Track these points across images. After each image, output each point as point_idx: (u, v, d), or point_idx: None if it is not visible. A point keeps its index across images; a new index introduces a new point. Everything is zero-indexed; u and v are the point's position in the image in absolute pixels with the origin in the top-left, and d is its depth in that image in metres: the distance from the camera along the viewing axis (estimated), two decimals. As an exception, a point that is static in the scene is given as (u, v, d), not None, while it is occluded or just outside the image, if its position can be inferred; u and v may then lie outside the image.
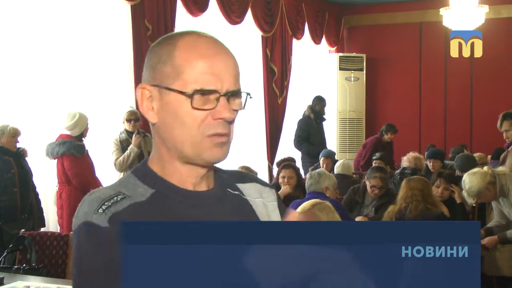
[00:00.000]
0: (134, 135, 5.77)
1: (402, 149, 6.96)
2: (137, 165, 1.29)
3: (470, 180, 4.42)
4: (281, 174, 5.66)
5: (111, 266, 1.09)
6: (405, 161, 6.60)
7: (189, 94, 1.15)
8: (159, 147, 1.23)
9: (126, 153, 5.73)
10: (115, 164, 5.76)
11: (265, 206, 1.33)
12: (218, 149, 1.19)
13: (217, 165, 1.27)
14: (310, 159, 8.22)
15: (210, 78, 1.16)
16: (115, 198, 1.16)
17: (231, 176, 1.34)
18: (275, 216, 1.34)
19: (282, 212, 1.37)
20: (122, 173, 5.81)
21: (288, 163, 6.09)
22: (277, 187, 5.47)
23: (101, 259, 1.10)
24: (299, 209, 3.39)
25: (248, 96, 1.22)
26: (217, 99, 1.16)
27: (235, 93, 1.19)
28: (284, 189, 5.39)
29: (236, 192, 1.30)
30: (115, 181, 1.25)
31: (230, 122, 1.19)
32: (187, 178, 1.22)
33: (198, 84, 1.15)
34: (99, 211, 1.13)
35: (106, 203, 1.14)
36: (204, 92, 1.15)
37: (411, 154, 6.61)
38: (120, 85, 6.47)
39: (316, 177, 4.87)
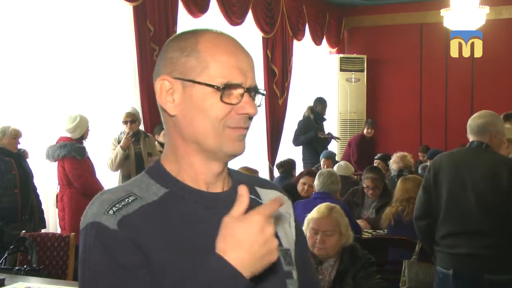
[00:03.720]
0: (125, 136, 5.75)
1: (403, 150, 6.94)
2: (151, 164, 1.27)
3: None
4: (302, 180, 5.52)
5: (116, 268, 1.08)
6: (393, 163, 6.60)
7: (220, 88, 1.15)
8: (175, 141, 1.21)
9: (113, 155, 5.76)
10: (107, 164, 5.79)
11: (282, 215, 1.32)
12: (240, 143, 1.19)
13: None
14: (311, 155, 8.24)
15: (236, 73, 1.16)
16: (126, 200, 1.14)
17: (250, 179, 1.33)
18: (288, 228, 1.32)
19: (297, 224, 1.36)
20: (118, 172, 5.85)
21: (311, 170, 5.98)
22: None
23: (107, 260, 1.09)
24: (316, 213, 3.36)
25: (263, 96, 1.23)
26: (242, 95, 1.16)
27: (256, 90, 1.20)
28: None
29: (253, 196, 1.27)
30: (128, 180, 1.24)
31: (251, 117, 1.19)
32: (201, 176, 1.20)
33: (225, 78, 1.15)
34: (109, 212, 1.11)
35: (117, 205, 1.13)
36: (231, 86, 1.15)
37: (396, 155, 6.62)
38: (124, 86, 6.47)
39: (329, 178, 4.76)
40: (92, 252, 1.10)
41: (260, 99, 1.22)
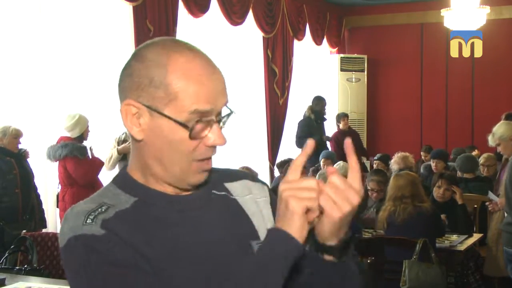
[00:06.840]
0: (127, 144, 5.76)
1: (403, 149, 6.94)
2: (117, 173, 1.26)
3: (499, 125, 4.51)
4: None
5: (120, 269, 1.07)
6: (394, 163, 6.60)
7: (189, 126, 1.11)
8: (142, 159, 1.18)
9: (109, 155, 5.77)
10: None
11: (256, 202, 1.30)
12: (202, 174, 1.18)
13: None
14: (311, 159, 8.25)
15: (206, 105, 1.12)
16: (99, 209, 1.13)
17: (219, 175, 1.30)
18: (266, 212, 1.30)
19: (275, 208, 1.33)
20: (115, 171, 5.88)
21: (315, 168, 5.97)
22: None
23: (108, 266, 1.07)
24: None
25: (230, 116, 1.19)
26: (210, 126, 1.14)
27: (224, 116, 1.18)
28: None
29: (223, 193, 1.27)
30: (95, 192, 1.22)
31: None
32: (169, 188, 1.20)
33: (195, 112, 1.11)
34: (88, 221, 1.10)
35: (92, 214, 1.11)
36: (201, 121, 1.12)
37: (398, 155, 6.60)
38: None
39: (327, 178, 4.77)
40: (88, 264, 1.07)
41: (226, 118, 1.19)
